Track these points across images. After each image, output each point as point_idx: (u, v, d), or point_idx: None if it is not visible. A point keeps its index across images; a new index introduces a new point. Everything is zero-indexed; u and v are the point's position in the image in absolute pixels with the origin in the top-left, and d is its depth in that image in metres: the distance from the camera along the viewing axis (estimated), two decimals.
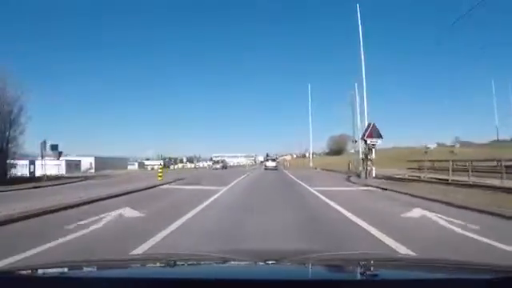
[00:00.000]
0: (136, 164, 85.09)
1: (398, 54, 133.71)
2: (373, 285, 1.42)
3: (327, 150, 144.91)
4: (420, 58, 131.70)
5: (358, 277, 1.64)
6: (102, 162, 62.68)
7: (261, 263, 1.87)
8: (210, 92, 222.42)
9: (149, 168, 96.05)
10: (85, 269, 1.91)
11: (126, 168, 74.57)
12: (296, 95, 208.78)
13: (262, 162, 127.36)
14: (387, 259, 2.48)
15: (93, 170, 62.01)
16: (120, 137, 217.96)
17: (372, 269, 1.87)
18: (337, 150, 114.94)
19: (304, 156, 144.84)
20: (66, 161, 55.76)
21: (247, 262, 1.95)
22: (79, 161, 56.82)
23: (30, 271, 1.68)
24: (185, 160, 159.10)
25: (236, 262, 1.97)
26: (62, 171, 52.65)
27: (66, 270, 1.77)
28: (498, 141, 54.53)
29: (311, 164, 58.32)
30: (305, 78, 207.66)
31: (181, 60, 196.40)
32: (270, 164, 49.84)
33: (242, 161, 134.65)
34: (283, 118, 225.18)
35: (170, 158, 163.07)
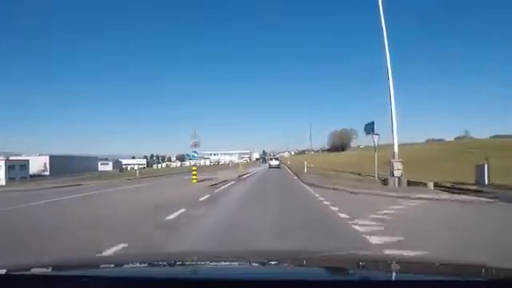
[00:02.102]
0: (110, 164, 72.79)
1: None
2: (370, 286, 1.40)
3: (327, 147, 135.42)
4: None
5: (356, 278, 1.59)
6: (60, 162, 50.85)
7: (259, 263, 1.89)
8: (203, 87, 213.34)
9: (128, 168, 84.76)
10: (82, 268, 1.90)
11: (97, 169, 62.85)
12: (291, 91, 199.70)
13: (257, 159, 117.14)
14: (385, 260, 2.47)
15: (48, 172, 50.11)
16: (107, 135, 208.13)
17: (370, 270, 1.82)
18: (340, 146, 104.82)
19: (303, 153, 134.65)
20: (7, 161, 43.54)
21: (247, 263, 1.98)
22: (26, 161, 44.91)
23: (24, 271, 1.64)
24: (173, 158, 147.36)
25: (234, 263, 2.00)
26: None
27: (63, 269, 1.79)
28: None
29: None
30: (300, 73, 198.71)
31: (168, 53, 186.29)
32: (274, 163, 49.55)
33: (234, 159, 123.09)
34: (277, 115, 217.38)
35: (157, 156, 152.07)
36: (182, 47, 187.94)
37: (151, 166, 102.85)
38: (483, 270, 1.67)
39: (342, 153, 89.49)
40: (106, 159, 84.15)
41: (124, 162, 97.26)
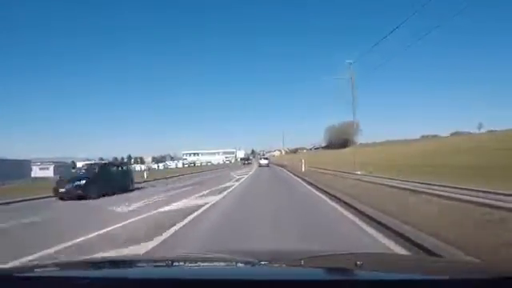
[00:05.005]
0: (51, 169, 56.36)
1: None
2: (370, 285, 1.38)
3: (324, 144, 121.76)
4: None
5: (356, 277, 1.53)
6: None
7: (258, 263, 1.85)
8: (184, 82, 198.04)
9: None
10: (81, 269, 1.90)
11: (30, 175, 46.50)
12: (281, 89, 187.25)
13: (242, 159, 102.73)
14: (384, 259, 2.41)
15: None
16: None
17: (369, 269, 1.76)
18: (339, 142, 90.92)
19: (295, 151, 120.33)
20: None
21: (244, 263, 1.94)
22: None
23: (29, 271, 1.67)
24: (149, 159, 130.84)
25: (233, 263, 1.96)
26: None
27: (67, 269, 1.79)
28: None
29: None
30: (292, 67, 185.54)
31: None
32: (263, 162, 51.26)
33: (218, 158, 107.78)
34: (263, 113, 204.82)
35: (129, 158, 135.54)
36: (161, 45, 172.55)
37: None
38: (483, 267, 1.69)
39: (344, 150, 75.59)
40: (67, 163, 67.95)
41: (82, 164, 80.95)
